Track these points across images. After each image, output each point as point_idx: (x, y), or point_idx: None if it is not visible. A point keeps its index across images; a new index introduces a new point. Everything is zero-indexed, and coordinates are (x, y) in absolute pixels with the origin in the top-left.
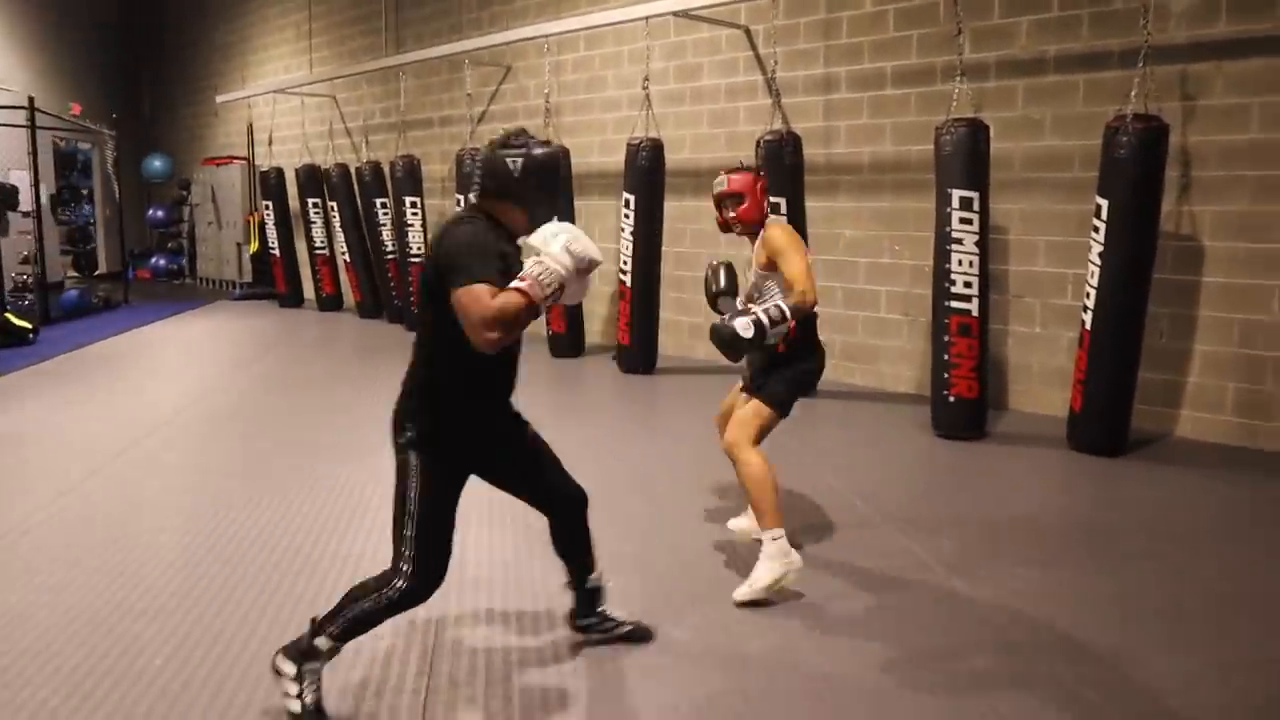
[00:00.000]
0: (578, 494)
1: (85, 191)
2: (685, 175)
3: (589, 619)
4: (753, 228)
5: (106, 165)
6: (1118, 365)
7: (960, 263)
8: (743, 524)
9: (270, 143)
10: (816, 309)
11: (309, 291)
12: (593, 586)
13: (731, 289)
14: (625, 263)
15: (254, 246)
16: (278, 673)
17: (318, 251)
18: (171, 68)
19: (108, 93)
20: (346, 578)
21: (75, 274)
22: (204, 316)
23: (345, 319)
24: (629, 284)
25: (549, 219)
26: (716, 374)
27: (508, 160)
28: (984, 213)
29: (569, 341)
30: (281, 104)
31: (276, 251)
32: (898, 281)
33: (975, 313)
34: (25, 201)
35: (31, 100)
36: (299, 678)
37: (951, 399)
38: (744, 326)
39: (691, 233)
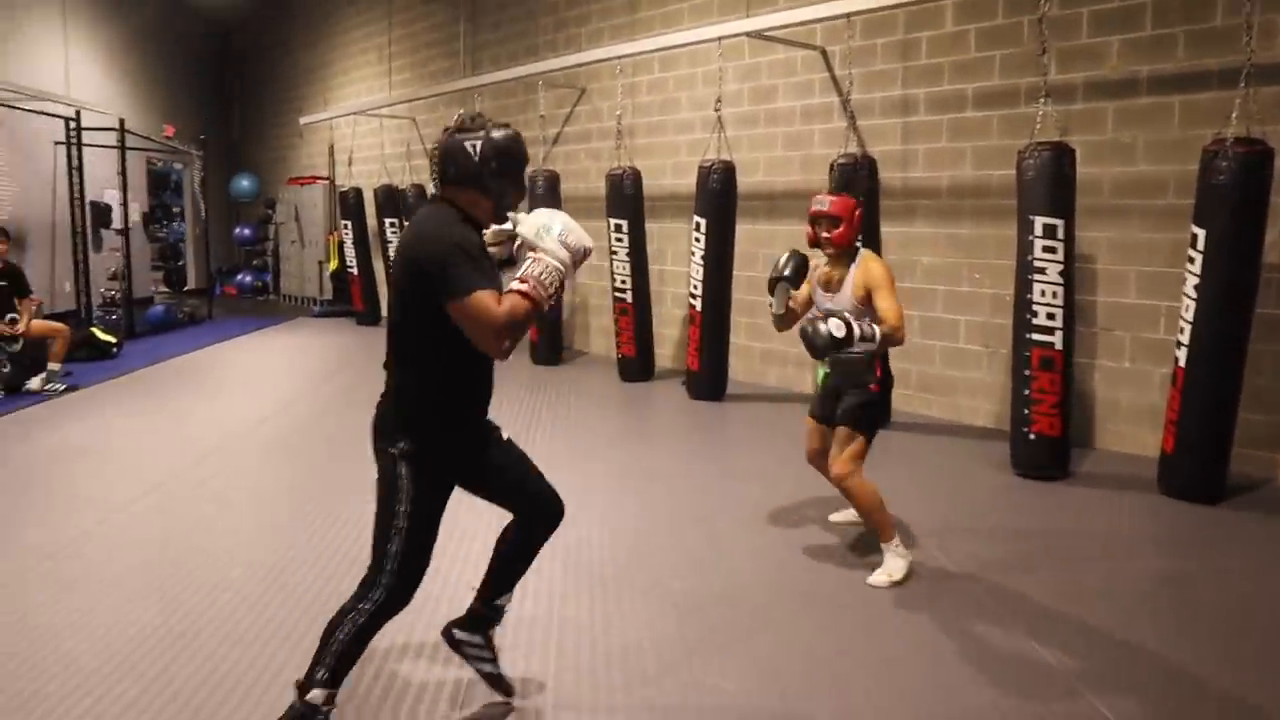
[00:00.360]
0: (558, 508)
1: (177, 210)
2: (759, 199)
3: (472, 637)
4: (843, 251)
5: (195, 185)
6: (1214, 405)
7: (1043, 293)
8: (846, 516)
9: (350, 163)
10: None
11: (385, 309)
12: (500, 605)
13: (794, 280)
14: (695, 287)
15: (333, 265)
16: None
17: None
18: (261, 90)
19: (202, 115)
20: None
21: (166, 289)
22: (284, 333)
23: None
24: (699, 308)
25: (514, 205)
26: (787, 402)
27: (466, 144)
28: (1069, 241)
29: (639, 365)
30: (362, 125)
31: (354, 270)
32: (977, 311)
33: (1059, 346)
34: (117, 219)
35: (122, 122)
36: None
37: (1032, 436)
38: (837, 326)
39: (764, 257)
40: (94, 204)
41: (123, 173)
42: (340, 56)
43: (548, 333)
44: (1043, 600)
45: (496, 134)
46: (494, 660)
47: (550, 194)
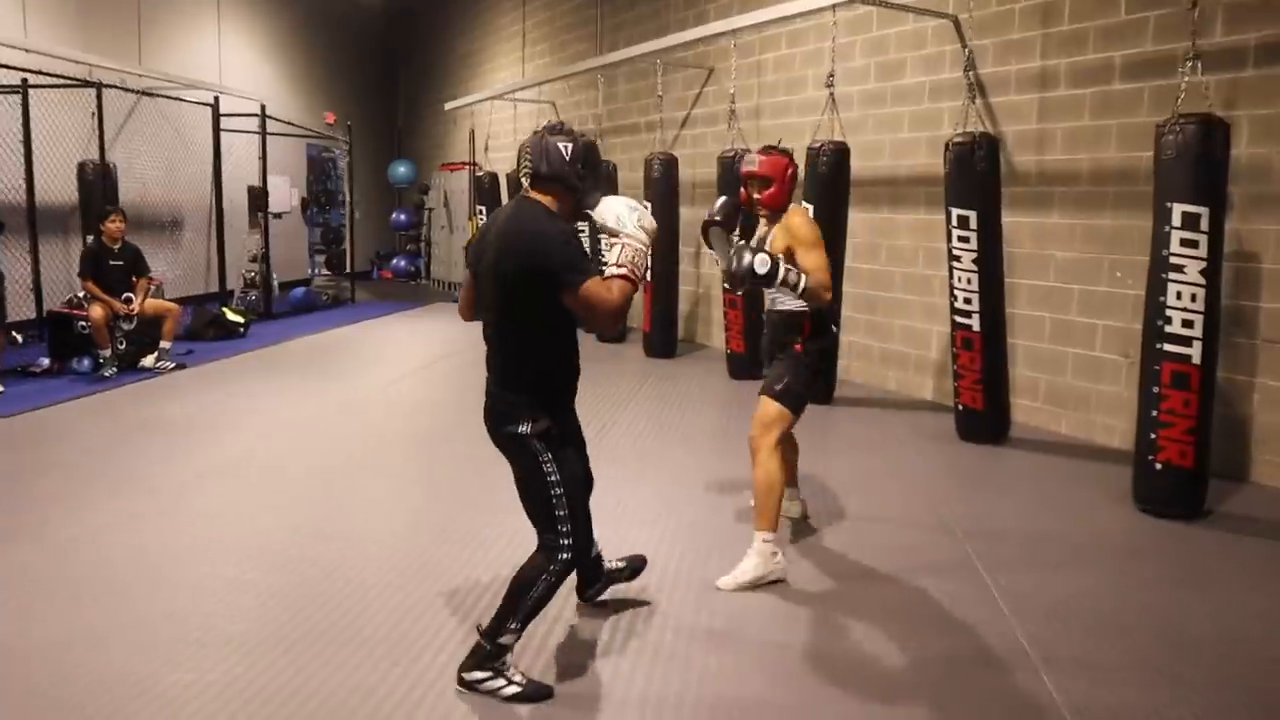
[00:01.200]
0: (591, 478)
1: (341, 196)
2: (882, 184)
3: (600, 585)
4: (776, 213)
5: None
6: None
7: (1179, 296)
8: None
9: (486, 149)
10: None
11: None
12: (596, 552)
13: (726, 223)
14: None
15: None
16: (471, 687)
17: None
18: (422, 77)
19: (365, 102)
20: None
21: (328, 272)
22: (417, 317)
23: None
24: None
25: (594, 204)
26: (902, 409)
27: (560, 145)
28: (1216, 233)
29: (747, 361)
30: (509, 110)
31: None
32: (1117, 315)
33: (1196, 359)
34: (278, 204)
35: (263, 108)
36: (499, 672)
37: (1158, 466)
38: (761, 262)
39: (887, 249)
40: (250, 189)
41: (263, 157)
42: (491, 42)
43: (660, 324)
44: (1169, 691)
45: (583, 139)
46: (619, 570)
47: (664, 180)
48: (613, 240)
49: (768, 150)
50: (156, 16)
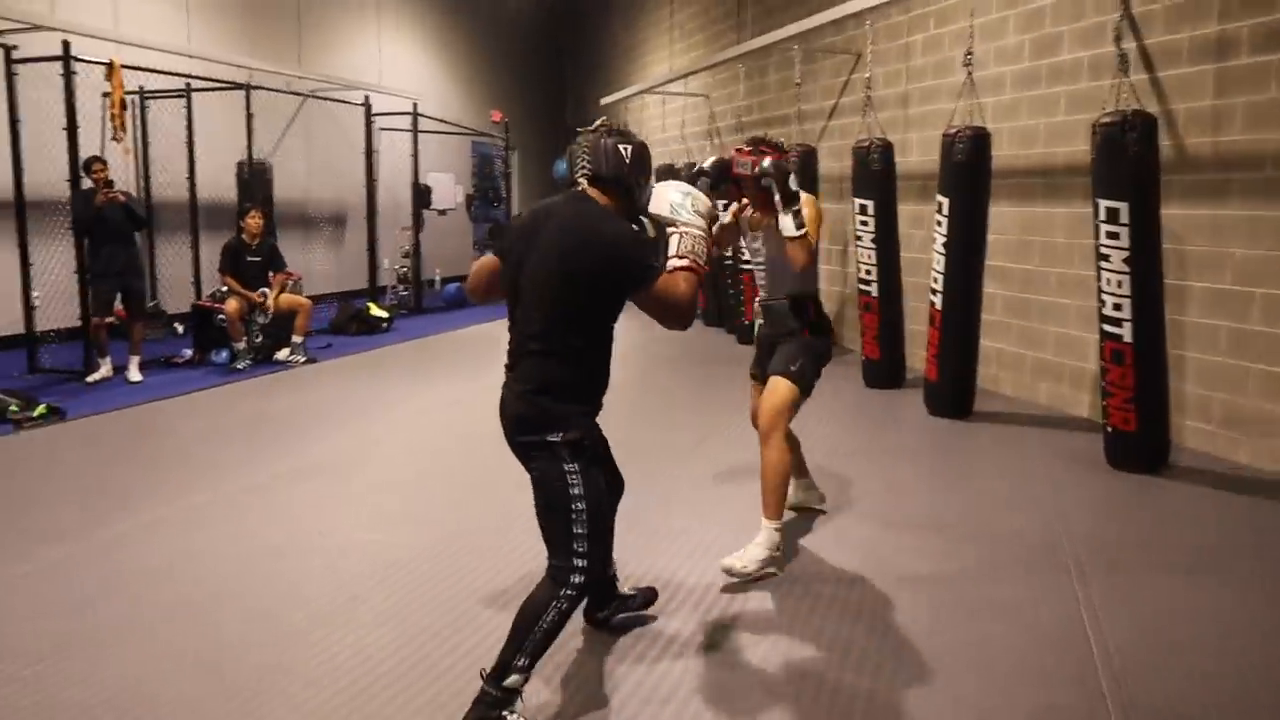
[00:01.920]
0: (622, 479)
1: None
2: (1035, 174)
3: (611, 609)
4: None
5: (511, 168)
6: None
7: None
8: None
9: None
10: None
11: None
12: (612, 574)
13: (714, 178)
14: (936, 280)
15: None
16: None
17: None
18: (589, 73)
19: (531, 100)
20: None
21: None
22: None
23: (696, 325)
24: (938, 306)
25: (644, 207)
26: (1054, 428)
27: (620, 147)
28: None
29: (884, 370)
30: (663, 105)
31: None
32: None
33: None
34: (442, 200)
35: (415, 106)
36: None
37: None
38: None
39: (1041, 247)
40: (415, 186)
41: (415, 154)
42: (651, 34)
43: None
44: None
45: (639, 141)
46: (631, 596)
47: (802, 173)
48: (670, 230)
49: (757, 147)
50: (317, 20)
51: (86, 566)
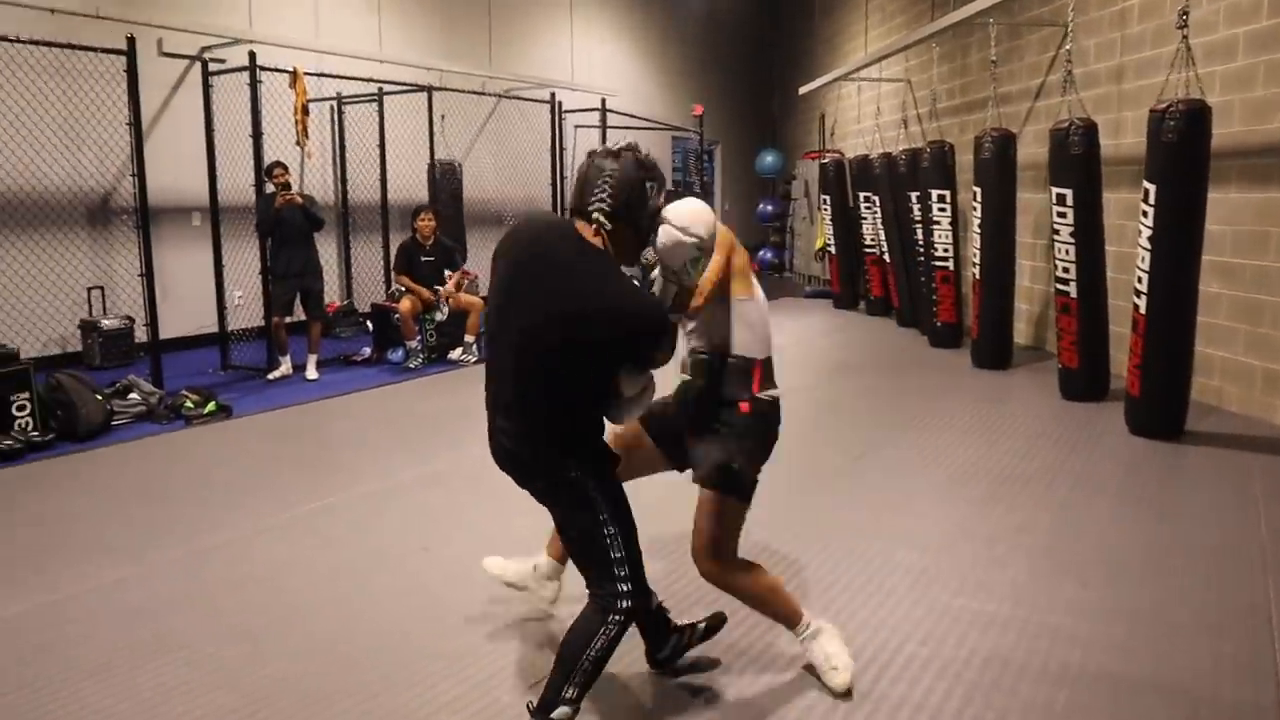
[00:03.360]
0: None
1: (696, 187)
2: (1274, 153)
3: (669, 647)
4: None
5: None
6: None
7: None
8: (503, 568)
9: (832, 134)
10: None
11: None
12: (658, 603)
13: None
14: (1140, 279)
15: (820, 242)
16: None
17: (867, 250)
18: (793, 63)
19: (739, 93)
20: None
21: None
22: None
23: (887, 326)
24: (1142, 309)
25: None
26: None
27: (647, 185)
28: None
29: (1082, 380)
30: (863, 92)
31: (833, 248)
32: None
33: None
34: None
35: (603, 101)
36: None
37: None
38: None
39: (1278, 238)
40: None
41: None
42: (852, 20)
43: (990, 329)
44: None
45: (661, 177)
46: (693, 627)
47: (998, 161)
48: (655, 277)
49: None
50: (507, 20)
51: (208, 563)
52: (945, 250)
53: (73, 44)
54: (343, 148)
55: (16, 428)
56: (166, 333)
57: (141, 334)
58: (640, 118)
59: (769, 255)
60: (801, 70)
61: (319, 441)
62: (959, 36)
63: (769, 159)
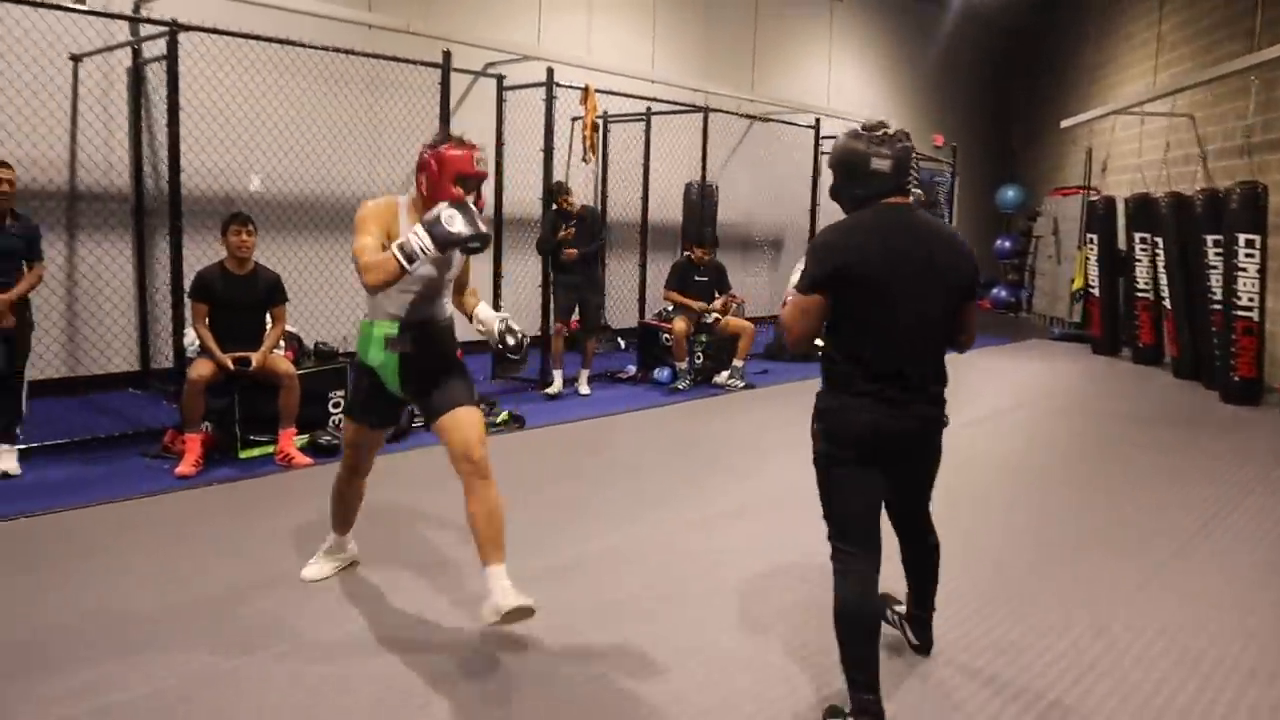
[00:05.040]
0: None
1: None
2: None
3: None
4: None
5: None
6: None
7: None
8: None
9: (1104, 170)
10: None
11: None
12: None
13: None
14: None
15: (1078, 283)
16: None
17: (1139, 294)
18: (1041, 95)
19: (978, 124)
20: None
21: None
22: (1009, 354)
23: (1158, 376)
24: None
25: None
26: None
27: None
28: None
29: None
30: (1131, 129)
31: (1096, 290)
32: None
33: None
34: None
35: (816, 120)
36: None
37: None
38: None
39: None
40: None
41: None
42: (1121, 51)
43: (1249, 364)
44: None
45: None
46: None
47: (1248, 208)
48: None
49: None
50: (771, 43)
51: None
52: (1250, 300)
53: (394, 56)
54: (606, 165)
55: (332, 424)
56: None
57: None
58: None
59: (1003, 293)
60: (1051, 103)
61: (619, 459)
62: (1272, 68)
63: (1010, 193)
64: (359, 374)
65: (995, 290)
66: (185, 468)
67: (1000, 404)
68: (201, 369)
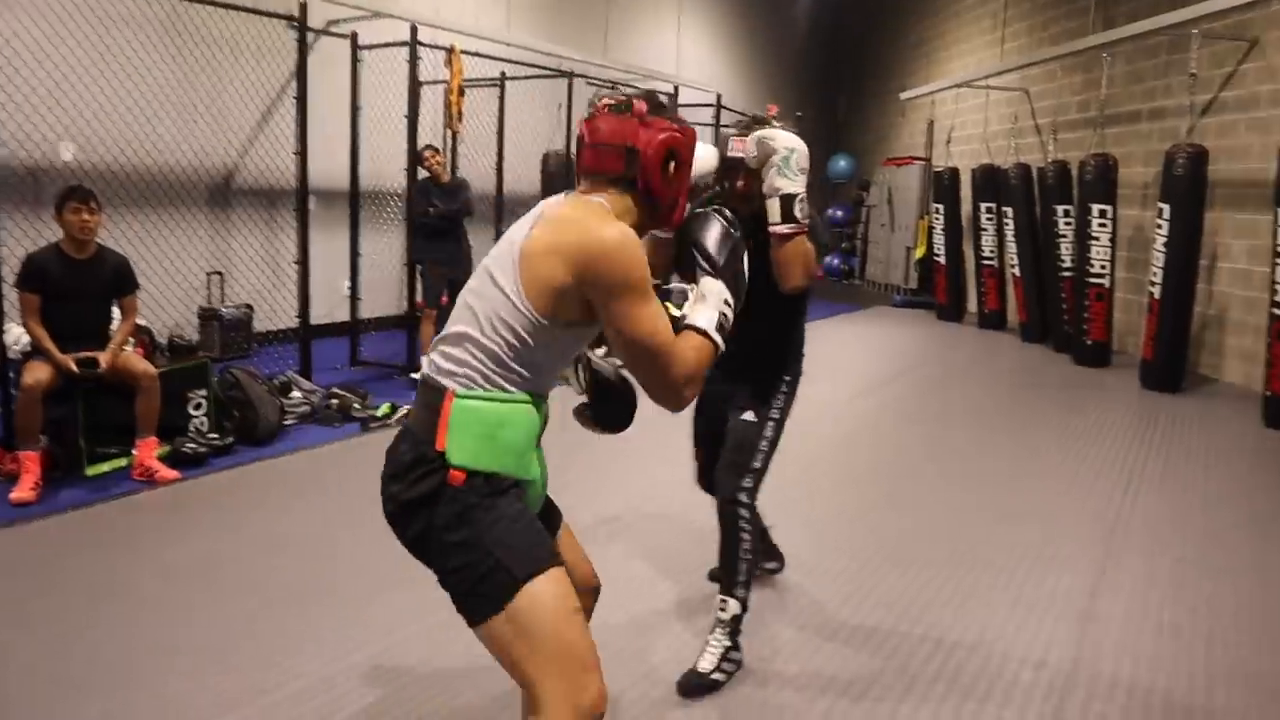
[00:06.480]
0: None
1: None
2: None
3: None
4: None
5: None
6: None
7: None
8: None
9: (949, 142)
10: None
11: (972, 304)
12: None
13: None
14: None
15: (920, 251)
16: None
17: (985, 262)
18: (867, 70)
19: (807, 96)
20: None
21: None
22: (857, 321)
23: (1004, 340)
24: None
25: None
26: None
27: None
28: None
29: None
30: (968, 100)
31: (941, 259)
32: None
33: None
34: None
35: (719, 98)
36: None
37: None
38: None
39: None
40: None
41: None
42: (954, 26)
43: (1165, 350)
44: None
45: None
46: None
47: (1190, 179)
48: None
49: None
50: (623, 10)
51: None
52: (1103, 267)
53: (246, 7)
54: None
55: (192, 429)
56: (280, 322)
57: (259, 324)
58: (735, 111)
59: (836, 261)
60: (880, 75)
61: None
62: (1107, 46)
63: (841, 164)
64: (505, 500)
65: (829, 258)
66: (23, 492)
67: (882, 372)
68: (37, 373)
